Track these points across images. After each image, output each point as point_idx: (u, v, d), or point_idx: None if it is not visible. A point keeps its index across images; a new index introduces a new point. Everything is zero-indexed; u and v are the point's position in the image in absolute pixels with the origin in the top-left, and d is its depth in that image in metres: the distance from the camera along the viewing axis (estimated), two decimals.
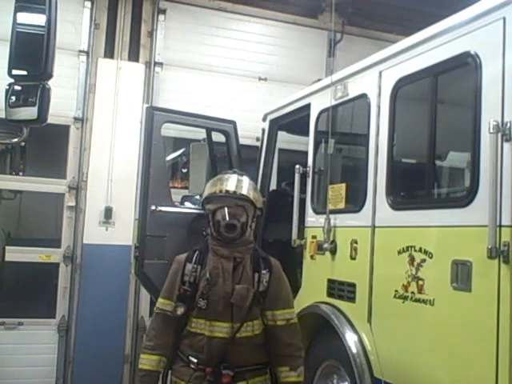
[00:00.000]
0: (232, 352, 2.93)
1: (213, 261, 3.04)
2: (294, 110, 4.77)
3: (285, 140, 5.65)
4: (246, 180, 3.21)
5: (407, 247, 3.17)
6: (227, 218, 3.02)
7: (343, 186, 3.91)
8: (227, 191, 3.08)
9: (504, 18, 2.71)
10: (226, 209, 3.04)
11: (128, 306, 6.16)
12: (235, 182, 3.14)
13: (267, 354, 3.09)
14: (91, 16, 6.28)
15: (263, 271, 3.05)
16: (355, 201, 3.77)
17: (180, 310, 3.00)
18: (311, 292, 4.03)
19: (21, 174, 7.27)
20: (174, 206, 4.74)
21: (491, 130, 2.62)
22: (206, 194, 3.18)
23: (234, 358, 2.93)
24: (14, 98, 2.80)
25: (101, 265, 5.96)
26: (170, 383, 3.10)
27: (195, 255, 3.09)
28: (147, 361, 3.00)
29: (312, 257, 4.13)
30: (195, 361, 2.95)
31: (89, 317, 5.92)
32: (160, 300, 3.11)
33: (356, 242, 3.65)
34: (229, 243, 3.04)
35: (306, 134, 4.44)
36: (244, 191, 3.10)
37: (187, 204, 5.12)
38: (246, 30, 6.80)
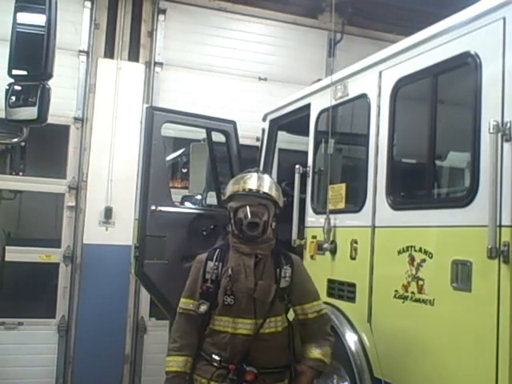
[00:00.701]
0: (255, 349, 2.93)
1: (234, 258, 3.05)
2: (294, 110, 4.77)
3: (285, 140, 5.65)
4: (267, 179, 3.22)
5: (407, 247, 3.17)
6: (250, 216, 3.03)
7: (343, 186, 3.91)
8: (250, 190, 3.08)
9: (504, 18, 2.71)
10: (248, 207, 3.04)
11: (128, 306, 6.17)
12: (258, 181, 3.13)
13: (289, 356, 3.08)
14: (91, 16, 6.28)
15: (285, 267, 3.06)
16: (355, 201, 3.77)
17: (203, 308, 2.99)
18: None
19: (21, 173, 7.27)
20: (174, 206, 4.74)
21: (491, 130, 2.62)
22: (228, 192, 3.17)
23: (257, 355, 2.93)
24: (14, 97, 2.80)
25: (101, 265, 5.96)
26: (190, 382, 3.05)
27: (216, 253, 3.10)
28: (174, 362, 2.97)
29: (312, 257, 4.13)
30: (218, 359, 2.94)
31: (89, 317, 5.92)
32: (182, 300, 3.11)
33: (356, 242, 3.66)
34: (250, 241, 3.05)
35: (306, 134, 4.44)
36: (267, 190, 3.10)
37: (187, 204, 5.13)
38: (246, 30, 6.80)
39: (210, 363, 2.96)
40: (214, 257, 3.08)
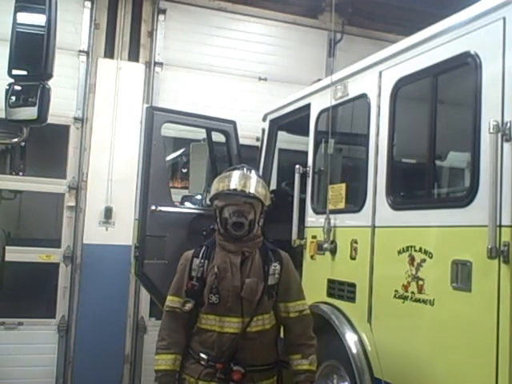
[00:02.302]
0: (242, 348, 2.92)
1: (220, 256, 3.03)
2: (294, 110, 4.77)
3: (285, 140, 5.65)
4: (253, 177, 3.17)
5: (407, 247, 3.17)
6: (235, 216, 3.01)
7: (343, 186, 3.91)
8: (235, 189, 3.04)
9: (504, 18, 2.71)
10: (233, 207, 3.02)
11: (128, 306, 6.16)
12: (243, 180, 3.09)
13: (277, 353, 3.09)
14: (91, 16, 6.28)
15: (274, 264, 3.04)
16: (355, 201, 3.77)
17: (188, 306, 2.98)
18: (311, 292, 4.00)
19: (21, 173, 7.27)
20: (174, 206, 4.74)
21: (491, 130, 2.62)
22: (213, 190, 3.13)
23: (244, 354, 2.92)
24: (13, 97, 2.80)
25: (101, 265, 5.96)
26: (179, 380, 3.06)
27: (202, 250, 3.09)
28: (163, 361, 2.96)
29: (312, 257, 4.13)
30: (205, 357, 2.94)
31: (89, 317, 5.92)
32: (169, 298, 3.10)
33: (356, 242, 3.66)
34: (236, 240, 3.04)
35: (306, 134, 4.44)
36: (252, 189, 3.06)
37: (187, 204, 5.13)
38: (246, 30, 6.80)
39: (198, 362, 2.96)
40: (200, 254, 3.06)
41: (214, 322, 2.95)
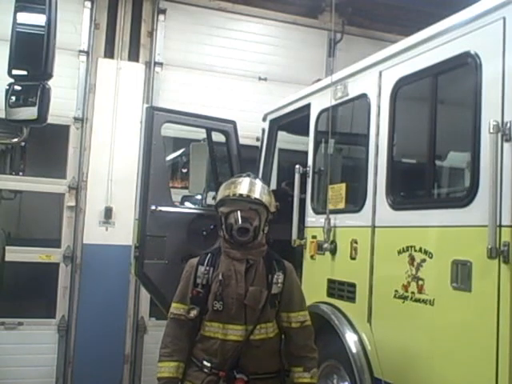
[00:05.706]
0: (245, 356, 2.92)
1: (225, 263, 3.03)
2: (294, 110, 4.77)
3: (285, 140, 5.65)
4: (259, 184, 3.20)
5: (407, 247, 3.17)
6: (240, 221, 3.01)
7: (343, 186, 3.91)
8: (241, 195, 3.06)
9: (504, 18, 2.71)
10: (238, 212, 3.03)
11: (128, 306, 6.17)
12: (249, 186, 3.12)
13: (280, 362, 3.08)
14: (91, 16, 6.28)
15: (277, 273, 3.04)
16: (355, 201, 3.77)
17: (193, 313, 2.98)
18: (311, 292, 4.01)
19: (21, 174, 7.27)
20: (173, 206, 4.75)
21: (491, 130, 2.62)
22: (219, 196, 3.16)
23: (247, 362, 2.92)
24: (13, 97, 2.80)
25: (101, 265, 5.96)
26: None
27: (207, 258, 3.08)
28: (166, 368, 2.96)
29: (312, 257, 4.13)
30: (208, 365, 2.93)
31: (89, 317, 5.92)
32: (173, 305, 3.10)
33: (356, 242, 3.66)
34: (241, 246, 3.04)
35: (306, 133, 4.44)
36: (257, 195, 3.08)
37: (187, 204, 5.13)
38: (246, 29, 6.81)
39: (201, 369, 2.95)
40: (205, 261, 3.06)
41: (217, 330, 2.95)
